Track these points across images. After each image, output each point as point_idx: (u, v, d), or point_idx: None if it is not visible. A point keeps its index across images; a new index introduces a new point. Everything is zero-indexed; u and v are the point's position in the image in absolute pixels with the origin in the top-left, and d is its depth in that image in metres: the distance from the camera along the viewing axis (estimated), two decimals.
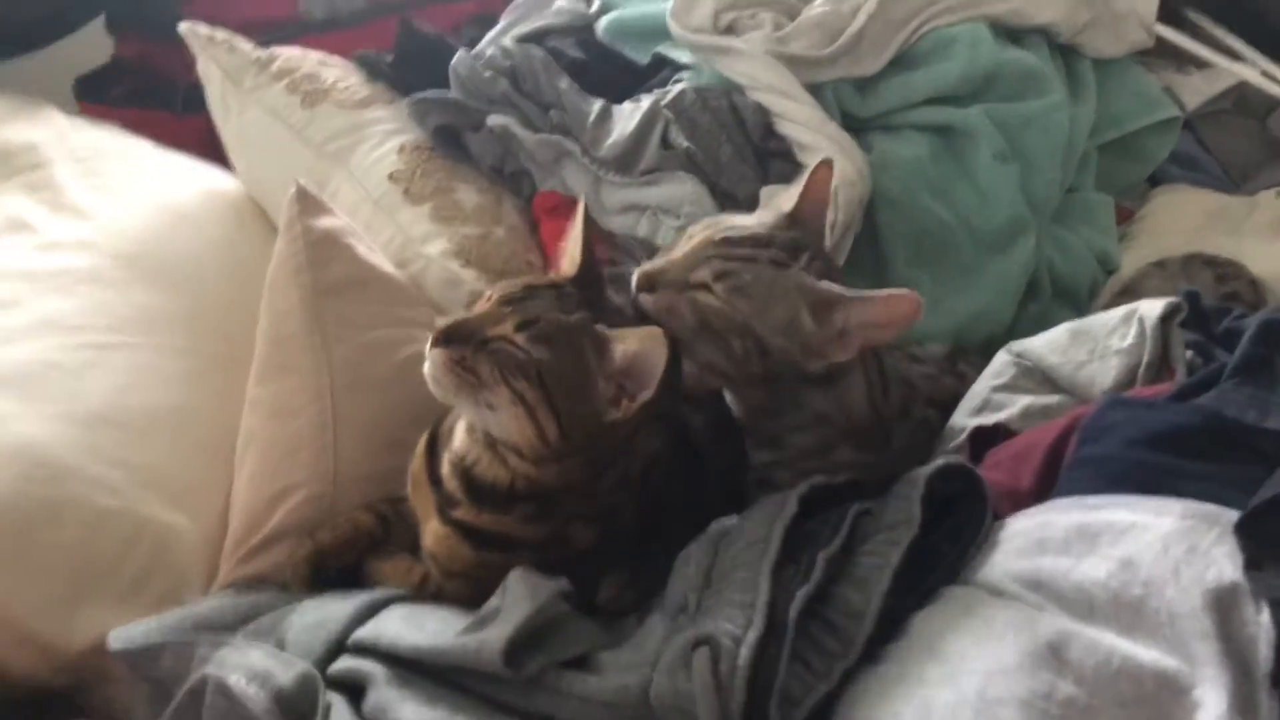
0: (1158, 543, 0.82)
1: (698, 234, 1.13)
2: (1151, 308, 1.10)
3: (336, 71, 1.68)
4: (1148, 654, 0.78)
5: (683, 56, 1.64)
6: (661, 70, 1.67)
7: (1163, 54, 1.86)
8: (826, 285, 1.08)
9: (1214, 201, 1.79)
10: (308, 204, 1.34)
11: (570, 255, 1.11)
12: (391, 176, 1.52)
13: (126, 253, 1.44)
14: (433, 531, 1.12)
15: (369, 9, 2.16)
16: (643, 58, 1.70)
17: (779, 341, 1.08)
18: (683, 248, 1.12)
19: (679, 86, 1.54)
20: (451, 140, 1.59)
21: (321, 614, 1.05)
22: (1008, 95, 1.58)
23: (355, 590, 1.13)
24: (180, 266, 1.47)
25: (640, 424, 1.03)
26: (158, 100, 2.01)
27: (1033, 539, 0.91)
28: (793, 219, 1.14)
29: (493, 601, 0.97)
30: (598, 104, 1.56)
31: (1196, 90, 1.86)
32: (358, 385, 1.29)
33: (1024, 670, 0.79)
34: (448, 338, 1.00)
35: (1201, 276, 1.57)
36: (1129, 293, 1.61)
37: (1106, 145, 1.74)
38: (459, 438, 1.10)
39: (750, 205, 1.45)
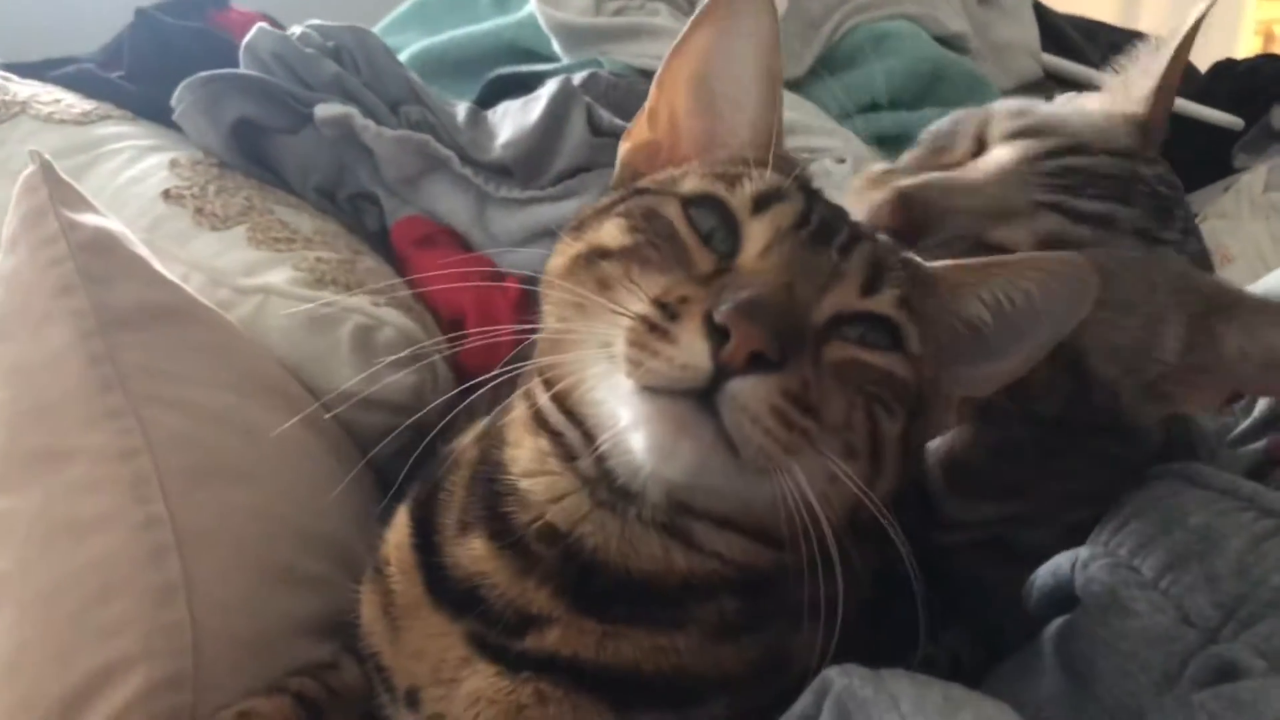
0: None
1: (1004, 127, 0.66)
2: None
3: (31, 87, 1.09)
4: None
5: (538, 67, 1.22)
6: (507, 96, 1.23)
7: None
8: (1224, 287, 0.64)
9: None
10: (60, 189, 0.76)
11: (758, 104, 0.59)
12: (169, 195, 0.95)
13: None
14: (481, 696, 0.55)
15: None
16: (460, 96, 1.25)
17: (1113, 373, 0.63)
18: (981, 166, 0.64)
19: (581, 74, 1.11)
20: (251, 149, 1.03)
21: None
22: (952, 99, 1.29)
23: None
24: None
25: None
26: None
27: None
28: (1145, 130, 0.68)
29: None
30: (462, 104, 1.10)
31: None
32: (203, 475, 0.70)
33: None
34: (785, 342, 0.46)
35: None
36: None
37: None
38: (549, 498, 0.55)
39: None
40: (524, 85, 1.23)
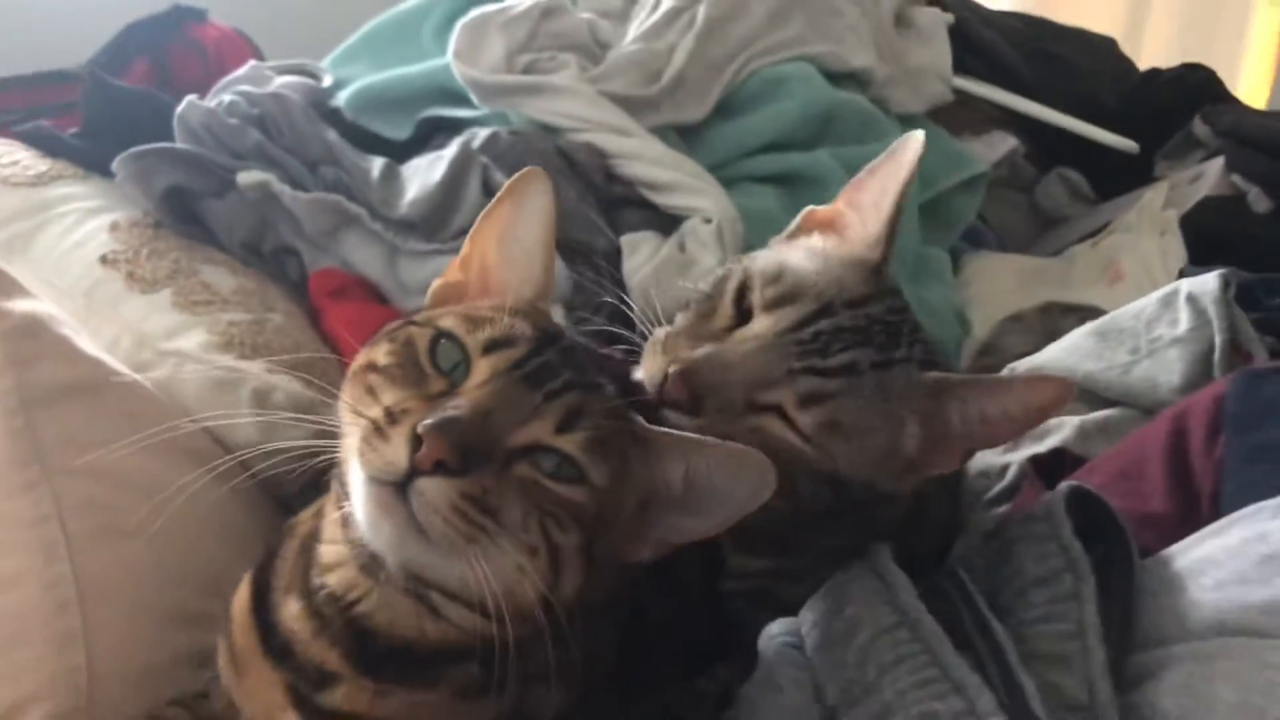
0: None
1: (764, 295, 0.77)
2: (1201, 285, 0.91)
3: None
4: None
5: (463, 112, 1.33)
6: (433, 138, 1.35)
7: (937, 121, 1.76)
8: (939, 376, 0.77)
9: (1025, 263, 1.70)
10: None
11: (529, 266, 0.72)
12: (106, 260, 1.08)
13: None
14: None
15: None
16: (401, 131, 1.37)
17: (866, 475, 0.76)
18: (745, 339, 0.76)
19: (485, 131, 1.22)
20: (185, 211, 1.17)
21: None
22: (846, 138, 1.39)
23: None
24: None
25: None
26: None
27: (1252, 560, 0.64)
28: (881, 274, 0.81)
29: None
30: (378, 160, 1.22)
31: (978, 156, 1.77)
32: (105, 534, 0.84)
33: None
34: (465, 456, 0.59)
35: (1064, 323, 1.43)
36: (990, 352, 1.47)
37: (920, 209, 1.60)
38: (333, 566, 0.69)
39: (609, 259, 1.15)
40: (452, 126, 1.34)
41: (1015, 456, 0.88)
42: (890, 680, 0.57)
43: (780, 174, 1.34)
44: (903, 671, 0.57)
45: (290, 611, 0.70)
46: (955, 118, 1.81)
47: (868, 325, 0.76)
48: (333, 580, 0.68)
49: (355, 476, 0.61)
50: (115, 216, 1.14)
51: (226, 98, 1.21)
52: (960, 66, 1.80)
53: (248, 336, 1.03)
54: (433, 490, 0.58)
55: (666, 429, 0.67)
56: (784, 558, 0.80)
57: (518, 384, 0.63)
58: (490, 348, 0.65)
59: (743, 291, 0.78)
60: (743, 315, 0.78)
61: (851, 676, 0.59)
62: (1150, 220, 1.62)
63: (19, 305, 0.90)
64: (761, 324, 0.76)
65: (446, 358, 0.65)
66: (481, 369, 0.64)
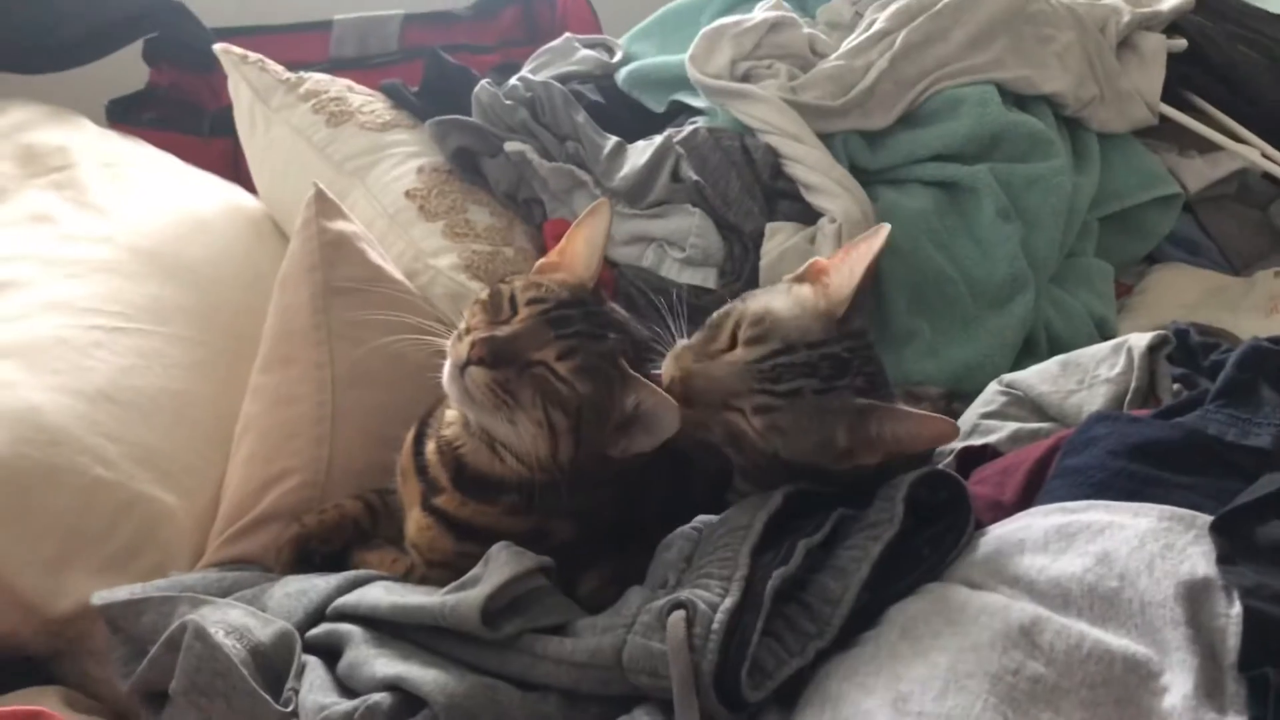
0: (1135, 539, 0.84)
1: (745, 333, 1.07)
2: (1140, 339, 1.13)
3: (362, 97, 1.73)
4: (1118, 641, 0.79)
5: (698, 102, 1.69)
6: (678, 117, 1.72)
7: (1165, 136, 1.89)
8: (865, 402, 1.05)
9: (1213, 280, 1.81)
10: (325, 206, 1.38)
11: (588, 260, 1.11)
12: (408, 194, 1.56)
13: (144, 248, 1.47)
14: (415, 521, 1.13)
15: (397, 53, 2.24)
16: (659, 106, 1.75)
17: (805, 459, 1.06)
18: (726, 362, 1.06)
19: (692, 125, 1.58)
20: (469, 164, 1.63)
21: (304, 585, 1.06)
22: (1012, 156, 1.62)
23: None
24: (196, 267, 1.50)
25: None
26: (185, 125, 2.05)
27: (1013, 540, 0.92)
28: (844, 323, 1.08)
29: (475, 570, 0.98)
30: (612, 140, 1.61)
31: (1198, 174, 1.88)
32: (357, 380, 1.31)
33: (995, 649, 0.80)
34: (495, 358, 0.99)
35: None
36: None
37: (1109, 219, 1.78)
38: (450, 423, 1.11)
39: (755, 239, 1.49)
40: (692, 110, 1.71)
41: (959, 444, 1.15)
42: (715, 551, 0.92)
43: (942, 180, 1.60)
44: (721, 547, 0.92)
45: (430, 447, 1.14)
46: (1184, 135, 1.94)
47: (818, 361, 1.05)
48: (448, 432, 1.11)
49: (447, 361, 1.03)
50: (423, 161, 1.62)
51: (511, 82, 1.65)
52: (1196, 88, 1.92)
53: (483, 263, 1.47)
54: (474, 373, 0.99)
55: (633, 371, 1.03)
56: (764, 488, 1.13)
57: (541, 324, 1.02)
58: (531, 302, 1.04)
59: (737, 326, 1.09)
60: (733, 343, 1.09)
61: (706, 551, 0.94)
62: None
63: (336, 225, 1.38)
64: (739, 354, 1.07)
65: (512, 303, 1.05)
66: (523, 313, 1.03)
